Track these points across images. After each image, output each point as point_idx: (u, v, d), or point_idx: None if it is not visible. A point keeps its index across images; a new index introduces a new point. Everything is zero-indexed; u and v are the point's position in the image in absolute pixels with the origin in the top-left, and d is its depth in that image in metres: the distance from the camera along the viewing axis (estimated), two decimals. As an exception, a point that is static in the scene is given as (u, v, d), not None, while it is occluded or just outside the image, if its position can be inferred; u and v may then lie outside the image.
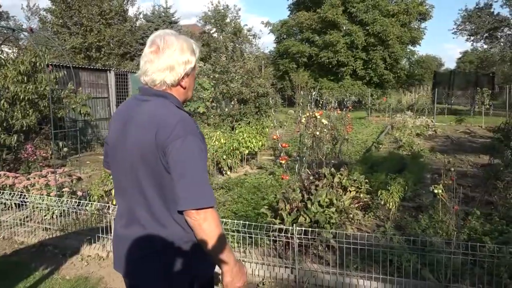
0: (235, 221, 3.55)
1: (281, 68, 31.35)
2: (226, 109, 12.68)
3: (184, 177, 1.41)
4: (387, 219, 4.93)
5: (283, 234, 3.41)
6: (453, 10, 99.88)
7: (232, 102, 12.89)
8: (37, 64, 8.22)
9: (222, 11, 28.02)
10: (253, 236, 3.64)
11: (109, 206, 3.96)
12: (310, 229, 3.60)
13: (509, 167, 5.63)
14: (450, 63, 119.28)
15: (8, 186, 5.58)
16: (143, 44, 13.99)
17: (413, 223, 4.53)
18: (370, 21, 27.98)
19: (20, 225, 4.75)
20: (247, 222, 3.48)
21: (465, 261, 3.29)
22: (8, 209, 5.18)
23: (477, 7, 33.50)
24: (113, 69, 13.50)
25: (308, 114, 6.81)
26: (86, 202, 4.37)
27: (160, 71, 1.53)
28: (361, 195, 5.28)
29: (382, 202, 4.96)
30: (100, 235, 4.13)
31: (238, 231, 3.52)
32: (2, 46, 8.94)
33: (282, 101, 21.46)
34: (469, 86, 23.89)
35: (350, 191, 5.17)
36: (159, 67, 1.53)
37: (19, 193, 5.02)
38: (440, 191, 3.90)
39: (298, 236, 3.37)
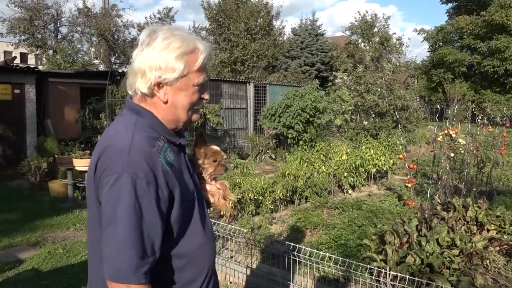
0: (321, 252, 3.09)
1: (434, 79, 28.49)
2: (366, 122, 11.97)
3: (107, 230, 1.08)
4: (539, 272, 3.77)
5: (374, 277, 2.82)
6: None
7: (373, 115, 12.12)
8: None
9: (370, 20, 26.93)
10: (344, 271, 3.13)
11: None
12: (415, 278, 2.92)
13: None
14: None
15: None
16: (289, 57, 14.39)
17: None
18: (553, 22, 23.36)
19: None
20: (333, 255, 3.00)
21: None
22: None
23: None
24: (253, 81, 14.07)
25: (445, 131, 5.81)
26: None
27: (133, 75, 1.21)
28: (505, 237, 4.18)
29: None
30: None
31: (317, 263, 3.07)
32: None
33: (431, 115, 19.38)
34: None
35: (488, 230, 4.14)
36: (133, 69, 1.21)
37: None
38: None
39: (393, 284, 2.74)
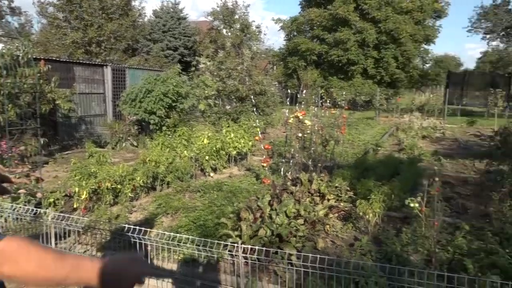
0: (178, 235, 3.11)
1: (290, 66, 30.74)
2: (228, 107, 12.30)
3: None
4: (367, 231, 4.45)
5: (227, 252, 2.97)
6: (471, 7, 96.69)
7: (235, 100, 12.53)
8: (20, 57, 7.93)
9: (231, 7, 27.60)
10: (201, 250, 3.21)
11: (46, 212, 3.59)
12: (264, 248, 3.16)
13: (506, 177, 5.08)
14: (470, 64, 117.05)
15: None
16: (151, 40, 13.81)
17: (393, 237, 4.05)
18: (382, 18, 27.21)
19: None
20: (191, 236, 3.04)
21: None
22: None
23: (494, 3, 32.34)
24: (111, 64, 13.21)
25: (294, 114, 6.36)
26: (24, 207, 4.01)
27: None
28: (342, 204, 4.82)
29: (360, 213, 4.47)
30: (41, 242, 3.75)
31: (174, 246, 3.09)
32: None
33: (287, 99, 20.91)
34: (484, 86, 22.93)
35: (329, 199, 4.71)
36: None
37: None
38: (417, 205, 3.40)
39: (245, 255, 2.92)
